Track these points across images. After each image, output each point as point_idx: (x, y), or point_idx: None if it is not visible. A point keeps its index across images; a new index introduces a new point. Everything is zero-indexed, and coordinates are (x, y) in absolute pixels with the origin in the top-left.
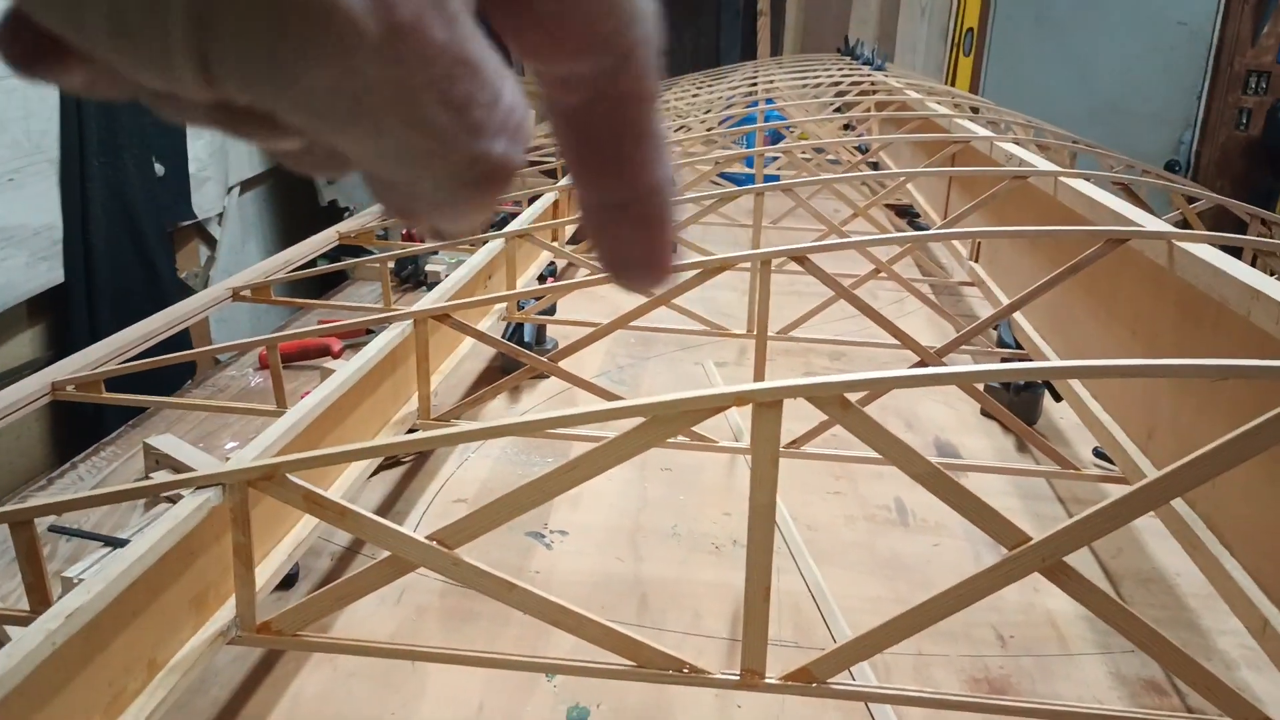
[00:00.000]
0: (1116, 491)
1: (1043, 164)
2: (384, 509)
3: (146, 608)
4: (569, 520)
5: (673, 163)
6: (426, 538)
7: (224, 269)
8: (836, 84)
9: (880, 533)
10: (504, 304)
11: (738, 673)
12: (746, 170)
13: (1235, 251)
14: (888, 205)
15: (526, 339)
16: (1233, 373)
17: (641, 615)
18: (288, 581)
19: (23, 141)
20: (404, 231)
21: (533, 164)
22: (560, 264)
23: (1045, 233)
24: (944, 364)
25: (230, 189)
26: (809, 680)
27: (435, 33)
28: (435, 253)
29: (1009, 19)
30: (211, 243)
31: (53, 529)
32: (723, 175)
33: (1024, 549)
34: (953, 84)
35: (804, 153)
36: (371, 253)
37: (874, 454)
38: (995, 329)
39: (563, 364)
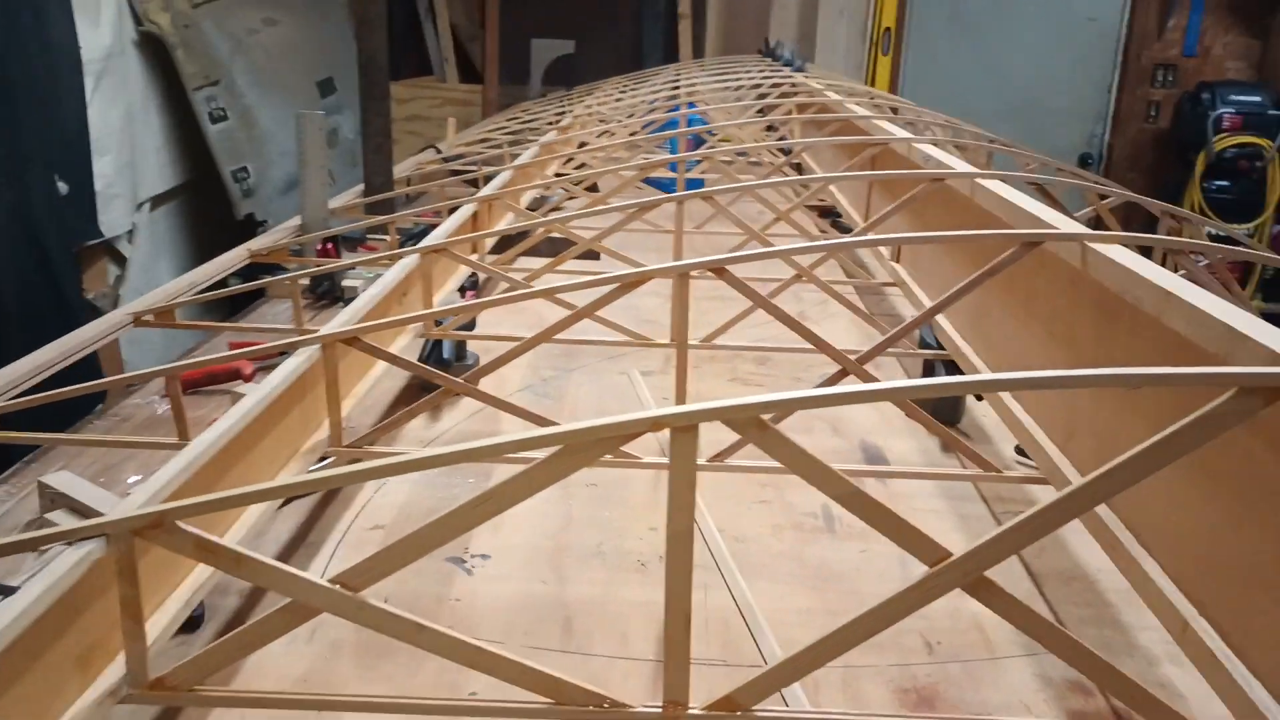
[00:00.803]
0: (1039, 492)
1: (960, 165)
2: (297, 540)
3: (24, 673)
4: (490, 543)
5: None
6: (330, 581)
7: (135, 288)
8: (757, 86)
9: (808, 541)
10: (420, 323)
11: (660, 705)
12: (670, 175)
13: (1147, 251)
14: (809, 206)
15: (446, 355)
16: (1148, 381)
17: (566, 640)
18: (192, 624)
19: None
20: (319, 246)
21: (454, 173)
22: (481, 277)
23: (961, 237)
24: (866, 372)
25: (140, 205)
26: (734, 709)
27: None
28: (353, 268)
29: (925, 19)
30: (121, 261)
31: None
32: (646, 181)
33: (945, 565)
34: (873, 83)
35: (726, 157)
36: (286, 269)
37: None
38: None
39: (486, 378)
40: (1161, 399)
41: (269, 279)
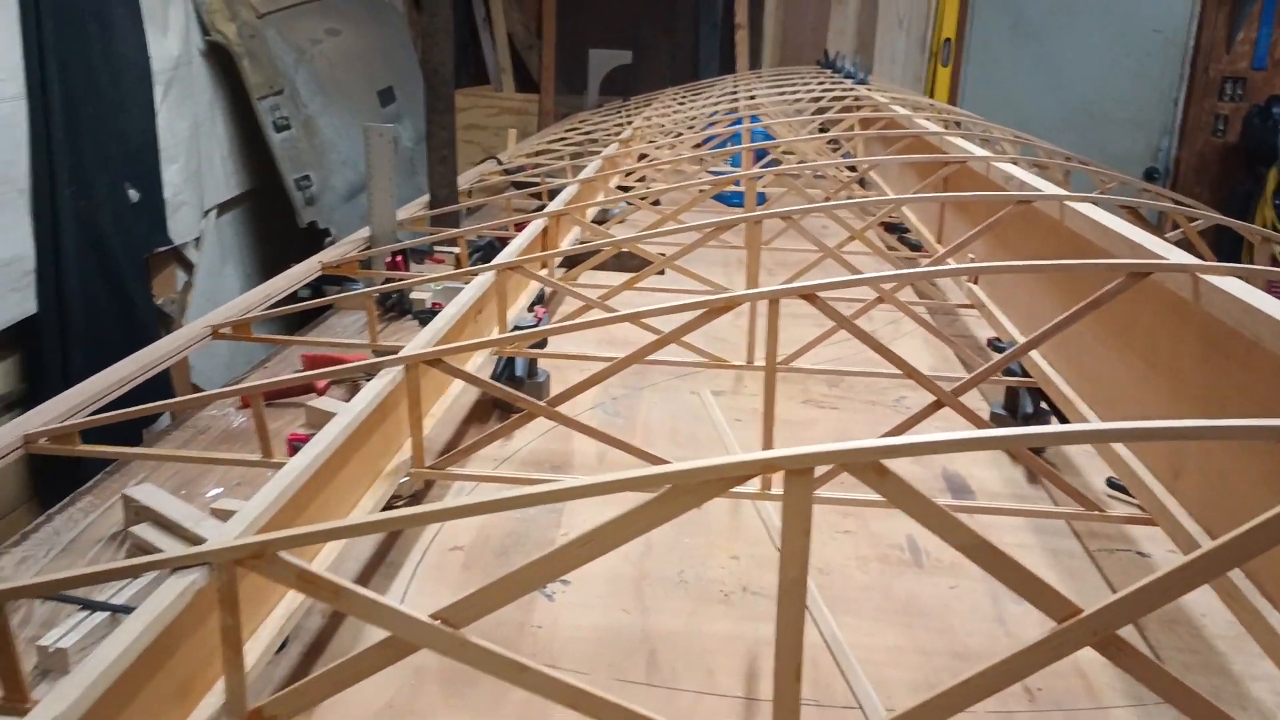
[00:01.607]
0: (1140, 532)
1: (1045, 186)
2: (377, 558)
3: (128, 705)
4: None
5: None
6: (431, 616)
7: (202, 294)
8: (818, 99)
9: (894, 575)
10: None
11: None
12: (736, 189)
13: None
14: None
15: (519, 373)
16: None
17: (651, 674)
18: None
19: None
20: (388, 259)
21: (516, 185)
22: (548, 291)
23: (1064, 266)
24: (962, 404)
25: (207, 212)
26: None
27: None
28: (424, 283)
29: (986, 28)
30: (189, 268)
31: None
32: (714, 197)
33: (1074, 622)
34: (931, 94)
35: (794, 172)
36: (355, 283)
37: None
38: (996, 349)
39: (556, 394)
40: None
41: (340, 293)
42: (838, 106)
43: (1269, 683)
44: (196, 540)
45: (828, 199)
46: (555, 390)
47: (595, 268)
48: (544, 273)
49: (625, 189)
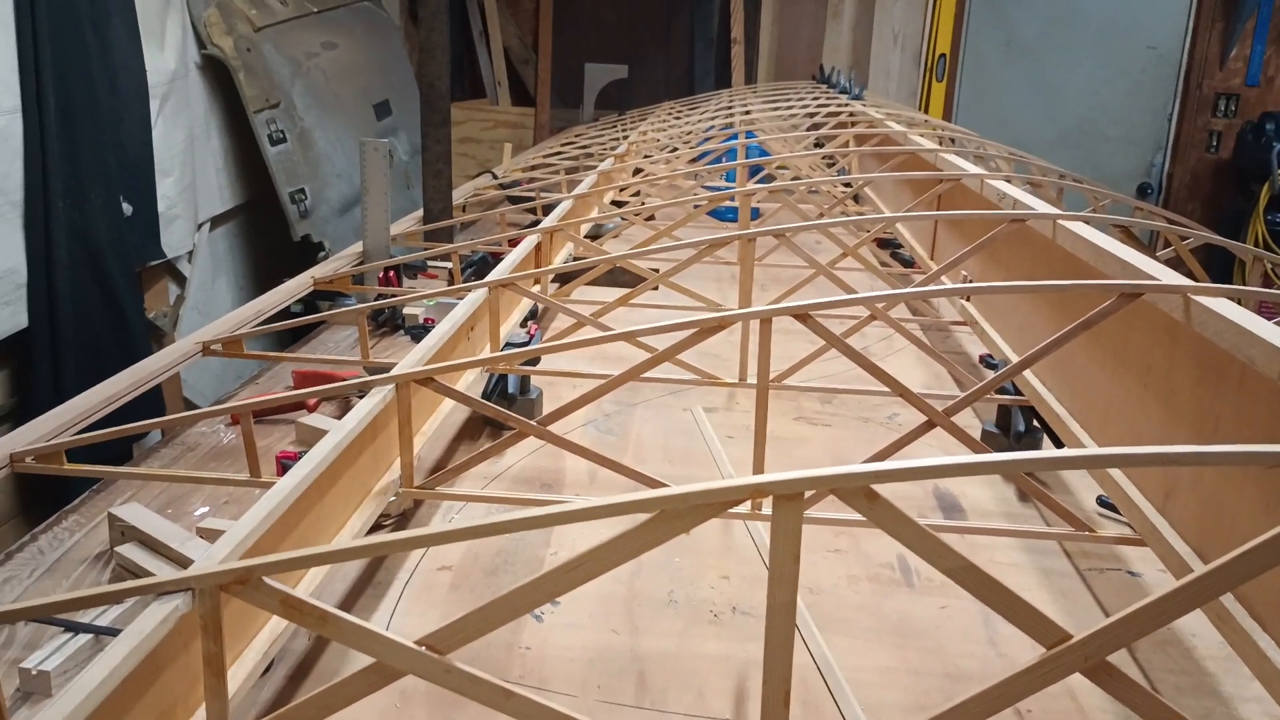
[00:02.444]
0: (1134, 553)
1: (1038, 204)
2: (364, 578)
3: None
4: None
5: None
6: (417, 642)
7: (194, 307)
8: (813, 114)
9: (885, 594)
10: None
11: None
12: (731, 204)
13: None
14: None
15: (511, 389)
16: None
17: (641, 696)
18: None
19: None
20: (380, 274)
21: (511, 200)
22: (541, 307)
23: (1057, 287)
24: (954, 424)
25: (200, 225)
26: None
27: None
28: (418, 299)
29: (980, 45)
30: (181, 281)
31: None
32: (708, 212)
33: (1064, 648)
34: (926, 109)
35: (788, 188)
36: (348, 298)
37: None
38: (988, 366)
39: (548, 412)
40: None
41: (333, 309)
42: (832, 122)
43: (1259, 704)
44: (182, 561)
45: (822, 215)
46: (548, 406)
47: (589, 283)
48: (537, 289)
49: (620, 204)
